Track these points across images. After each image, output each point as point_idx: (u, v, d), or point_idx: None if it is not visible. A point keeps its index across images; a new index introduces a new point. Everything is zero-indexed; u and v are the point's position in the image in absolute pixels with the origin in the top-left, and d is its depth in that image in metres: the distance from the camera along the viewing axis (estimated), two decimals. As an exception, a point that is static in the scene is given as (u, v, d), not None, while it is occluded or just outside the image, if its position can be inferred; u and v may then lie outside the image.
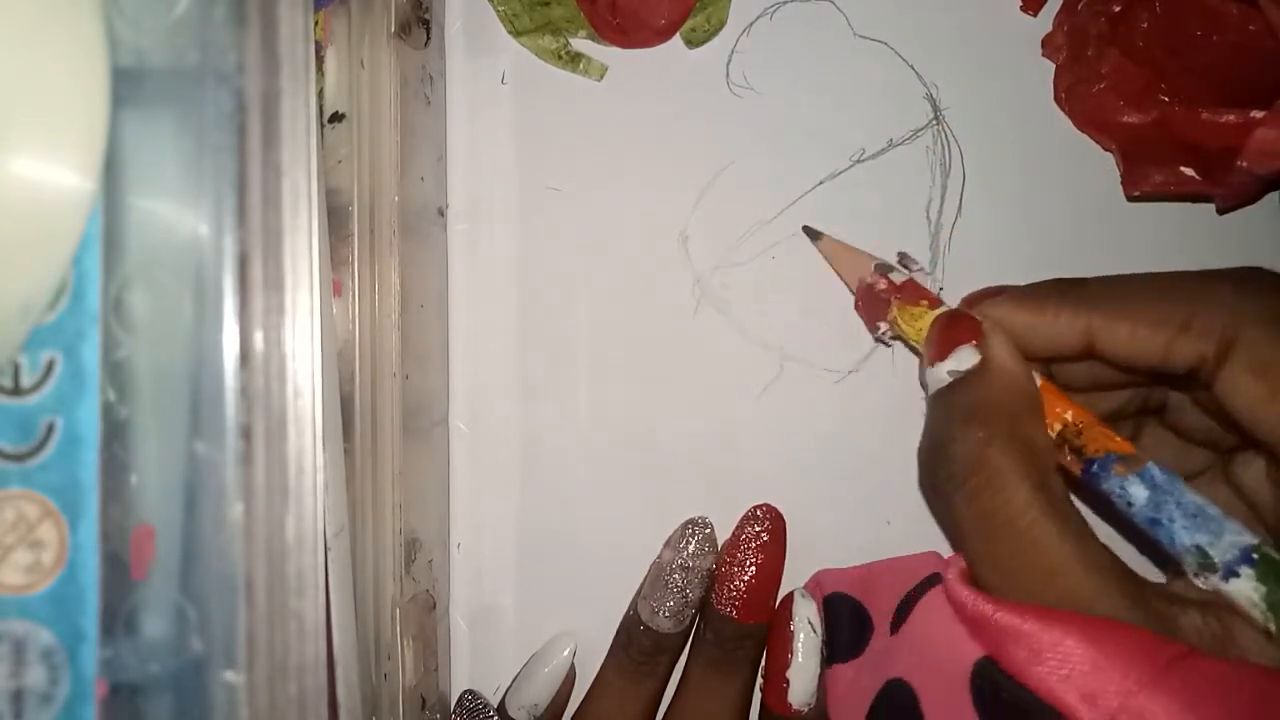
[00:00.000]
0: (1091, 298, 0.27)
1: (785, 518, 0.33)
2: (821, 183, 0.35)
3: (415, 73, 0.33)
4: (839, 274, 0.34)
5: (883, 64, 0.35)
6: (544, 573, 0.36)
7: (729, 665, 0.32)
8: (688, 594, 0.32)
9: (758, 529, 0.33)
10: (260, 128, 0.22)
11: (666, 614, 0.32)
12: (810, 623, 0.31)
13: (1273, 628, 0.23)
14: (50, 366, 0.22)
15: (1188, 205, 0.34)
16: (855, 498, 0.34)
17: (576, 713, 0.34)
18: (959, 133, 0.35)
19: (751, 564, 0.32)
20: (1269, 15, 0.29)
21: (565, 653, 0.34)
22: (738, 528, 0.33)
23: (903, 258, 0.33)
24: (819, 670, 0.31)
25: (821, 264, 0.34)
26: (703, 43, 0.35)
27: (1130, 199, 0.34)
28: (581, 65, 0.36)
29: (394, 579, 0.31)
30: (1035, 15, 0.34)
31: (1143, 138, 0.33)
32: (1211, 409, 0.27)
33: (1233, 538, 0.24)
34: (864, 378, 0.35)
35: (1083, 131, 0.34)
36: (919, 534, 0.33)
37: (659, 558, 0.33)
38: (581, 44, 0.36)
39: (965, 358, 0.27)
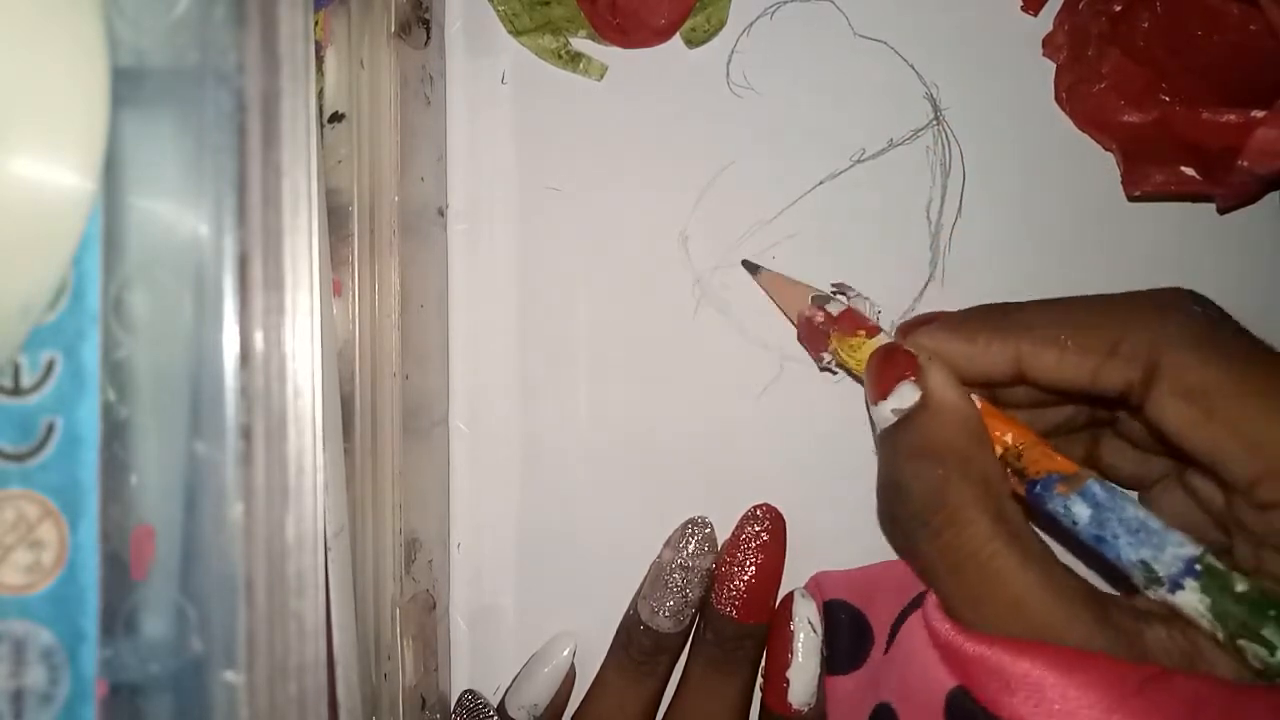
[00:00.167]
0: (1019, 325, 0.27)
1: (785, 518, 0.33)
2: (821, 183, 0.35)
3: (415, 73, 0.33)
4: (780, 307, 0.34)
5: (883, 64, 0.35)
6: (544, 573, 0.36)
7: (729, 665, 0.32)
8: (688, 594, 0.32)
9: (757, 529, 0.33)
10: (260, 128, 0.22)
11: (666, 614, 0.32)
12: (810, 623, 0.31)
13: (1220, 636, 0.23)
14: (50, 366, 0.22)
15: (1188, 205, 0.34)
16: (855, 498, 0.34)
17: (576, 713, 0.34)
18: (959, 133, 0.35)
19: (751, 564, 0.32)
20: (1269, 15, 0.29)
21: (565, 653, 0.34)
22: (737, 528, 0.33)
23: (839, 287, 0.33)
24: (819, 670, 0.31)
25: (821, 265, 0.34)
26: (703, 43, 0.35)
27: (1131, 199, 0.34)
28: (581, 65, 0.36)
29: (394, 579, 0.31)
30: (1036, 15, 0.34)
31: (1143, 137, 0.33)
32: (1151, 427, 0.26)
33: (1175, 550, 0.24)
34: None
35: (1083, 131, 0.34)
36: (919, 534, 0.33)
37: (659, 557, 0.33)
38: (581, 44, 0.36)
39: (906, 395, 0.27)
